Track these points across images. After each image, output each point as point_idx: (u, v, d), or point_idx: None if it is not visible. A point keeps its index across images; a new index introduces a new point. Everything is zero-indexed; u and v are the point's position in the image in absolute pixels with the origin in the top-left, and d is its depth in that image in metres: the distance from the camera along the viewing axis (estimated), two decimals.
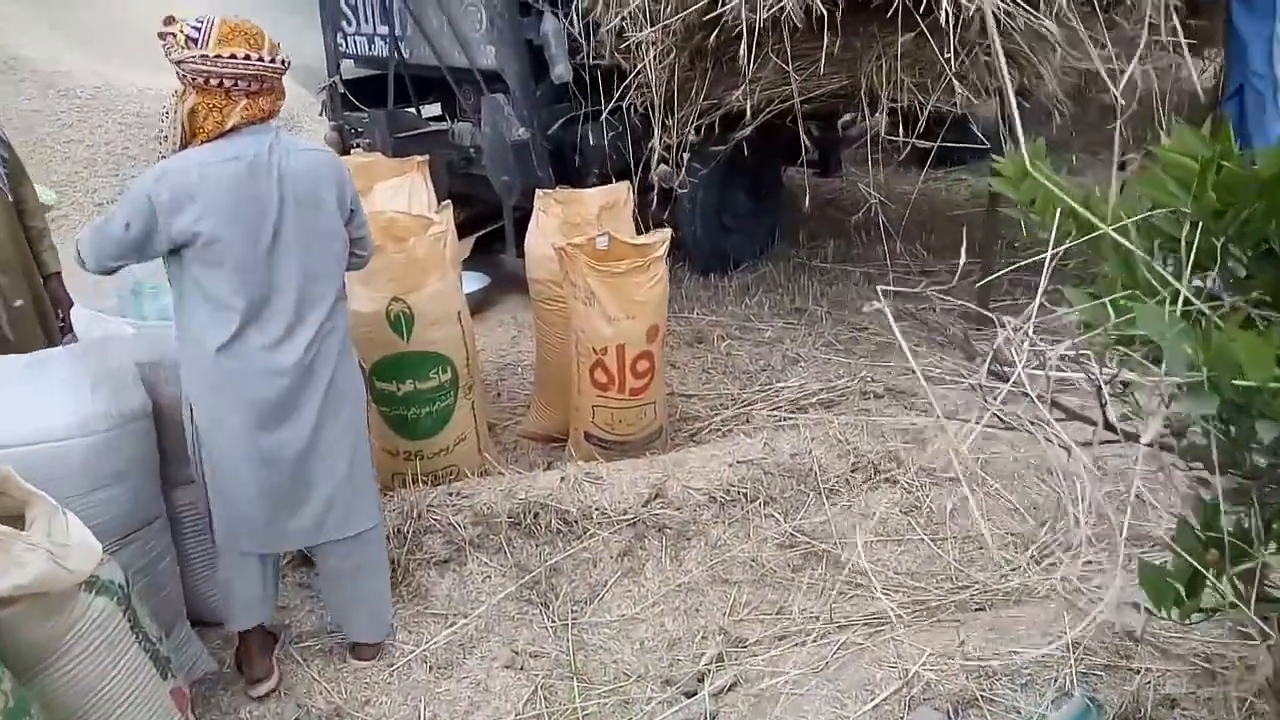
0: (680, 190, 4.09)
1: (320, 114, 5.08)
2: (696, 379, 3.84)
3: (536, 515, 2.75)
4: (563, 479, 2.85)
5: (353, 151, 4.86)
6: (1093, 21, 3.46)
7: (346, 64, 4.98)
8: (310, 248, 2.08)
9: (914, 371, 3.76)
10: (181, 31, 1.95)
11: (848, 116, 4.96)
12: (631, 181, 4.10)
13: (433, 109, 5.07)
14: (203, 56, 1.93)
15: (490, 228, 4.88)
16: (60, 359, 2.13)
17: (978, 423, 3.20)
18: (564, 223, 3.25)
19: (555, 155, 4.44)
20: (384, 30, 4.58)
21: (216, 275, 2.00)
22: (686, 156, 4.09)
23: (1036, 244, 1.37)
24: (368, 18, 4.69)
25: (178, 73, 1.98)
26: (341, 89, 4.82)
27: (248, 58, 1.96)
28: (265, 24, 2.07)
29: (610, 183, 4.33)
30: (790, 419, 3.30)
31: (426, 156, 3.65)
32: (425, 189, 3.55)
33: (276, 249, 2.03)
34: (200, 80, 1.95)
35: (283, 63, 2.04)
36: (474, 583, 2.65)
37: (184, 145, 2.02)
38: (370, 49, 4.73)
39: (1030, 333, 1.27)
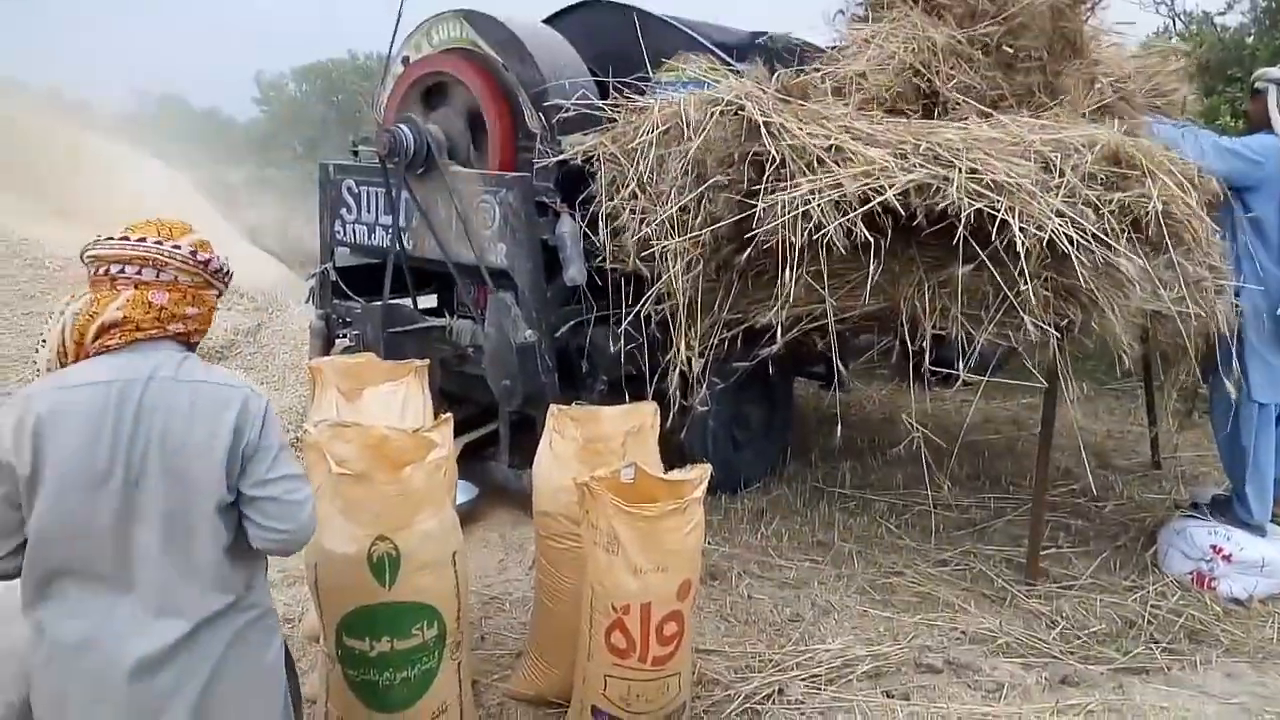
0: (700, 407, 3.72)
1: (307, 300, 4.75)
2: (715, 629, 3.30)
3: None
4: None
5: (338, 343, 4.52)
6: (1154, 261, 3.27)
7: (341, 251, 4.71)
8: (178, 516, 1.56)
9: (968, 637, 3.29)
10: None
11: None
12: (647, 394, 3.74)
13: (427, 299, 4.77)
14: (95, 241, 1.57)
15: (482, 431, 4.44)
16: None
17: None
18: (583, 448, 2.82)
19: (560, 360, 4.11)
20: (386, 220, 4.33)
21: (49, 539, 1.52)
22: (707, 370, 3.76)
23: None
24: (370, 207, 4.46)
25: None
26: (334, 276, 4.53)
27: (142, 240, 1.56)
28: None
29: (618, 392, 3.99)
30: (838, 699, 2.76)
31: (426, 362, 3.26)
32: (422, 397, 3.14)
33: (132, 514, 1.53)
34: (90, 270, 1.57)
35: (215, 271, 1.63)
36: None
37: (63, 363, 1.58)
38: (370, 238, 4.47)
39: None
